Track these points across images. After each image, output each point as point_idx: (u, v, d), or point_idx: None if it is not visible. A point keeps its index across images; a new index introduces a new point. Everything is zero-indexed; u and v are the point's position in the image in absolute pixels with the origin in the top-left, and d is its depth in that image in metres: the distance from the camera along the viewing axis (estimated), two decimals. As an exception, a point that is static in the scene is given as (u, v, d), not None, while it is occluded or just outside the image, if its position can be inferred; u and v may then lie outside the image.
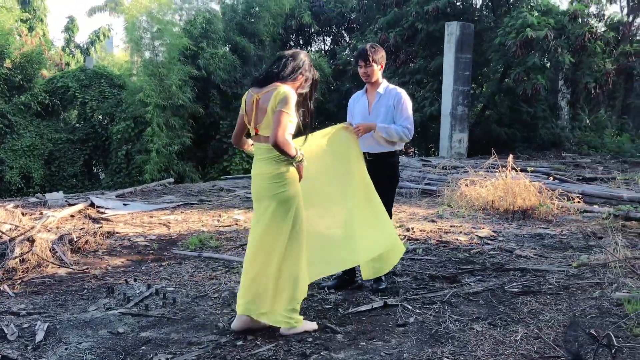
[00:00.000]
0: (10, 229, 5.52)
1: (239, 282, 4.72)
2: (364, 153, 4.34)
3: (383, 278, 4.54)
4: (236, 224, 7.13)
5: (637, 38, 16.57)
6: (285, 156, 3.55)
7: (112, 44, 39.15)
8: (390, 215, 4.49)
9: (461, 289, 4.58)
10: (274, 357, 3.35)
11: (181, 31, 17.07)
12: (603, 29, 14.94)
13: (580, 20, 13.69)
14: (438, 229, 6.78)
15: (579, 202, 7.69)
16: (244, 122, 3.76)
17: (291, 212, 3.62)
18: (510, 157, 7.75)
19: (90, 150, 17.83)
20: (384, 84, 4.55)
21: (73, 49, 30.20)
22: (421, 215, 7.64)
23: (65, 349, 3.50)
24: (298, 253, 3.68)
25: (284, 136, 3.47)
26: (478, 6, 17.33)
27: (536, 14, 13.79)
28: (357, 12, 18.07)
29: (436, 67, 15.71)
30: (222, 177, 13.54)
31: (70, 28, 31.23)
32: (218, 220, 7.41)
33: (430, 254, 5.70)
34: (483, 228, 6.76)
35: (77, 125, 18.18)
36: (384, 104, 4.46)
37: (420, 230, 6.67)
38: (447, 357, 3.35)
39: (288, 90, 3.54)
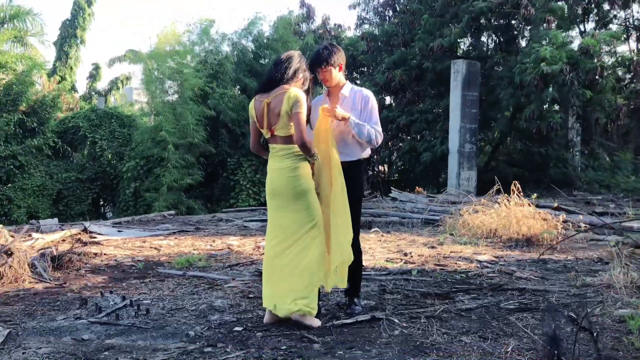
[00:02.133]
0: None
1: (220, 297, 4.57)
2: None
3: (356, 301, 4.16)
4: (229, 248, 6.93)
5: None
6: (307, 155, 3.76)
7: (131, 91, 40.01)
8: (358, 232, 4.15)
9: (453, 305, 4.32)
10: (242, 364, 3.12)
11: (193, 72, 17.29)
12: (614, 66, 14.83)
13: (592, 54, 13.55)
14: (437, 254, 6.52)
15: (586, 230, 7.40)
16: (257, 128, 3.92)
17: (308, 203, 3.78)
18: (515, 183, 7.50)
19: (99, 189, 17.85)
20: (348, 86, 4.13)
21: (93, 94, 30.90)
22: (421, 242, 7.39)
23: (23, 353, 3.29)
24: (317, 242, 3.78)
25: (307, 136, 3.71)
26: (486, 45, 17.38)
27: (549, 48, 13.67)
28: (366, 54, 18.24)
29: (445, 106, 15.63)
30: (223, 209, 13.38)
31: (94, 75, 32.05)
32: (211, 245, 7.22)
33: (426, 275, 5.44)
34: (484, 253, 6.49)
35: (87, 164, 18.29)
36: (350, 106, 4.03)
37: (419, 255, 6.41)
38: (430, 367, 3.09)
39: (298, 92, 3.73)
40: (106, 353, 3.29)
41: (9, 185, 16.05)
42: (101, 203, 18.61)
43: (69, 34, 29.05)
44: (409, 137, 17.60)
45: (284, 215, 3.82)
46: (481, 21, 15.94)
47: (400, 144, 18.47)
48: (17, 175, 16.33)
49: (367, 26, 19.15)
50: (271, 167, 3.89)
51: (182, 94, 16.44)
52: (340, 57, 4.02)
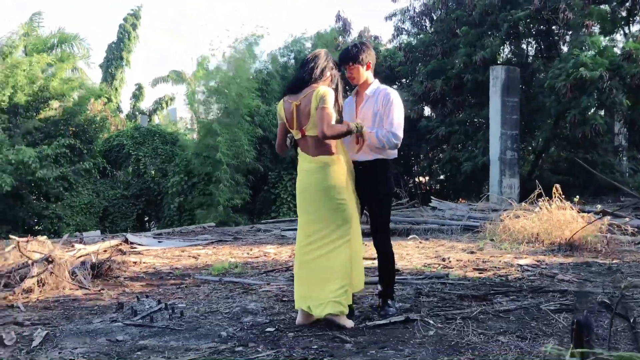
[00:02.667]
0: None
1: (254, 300, 4.56)
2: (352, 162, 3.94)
3: (390, 303, 4.06)
4: (265, 256, 6.95)
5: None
6: (342, 137, 3.74)
7: (175, 111, 40.87)
8: (388, 233, 4.11)
9: (491, 307, 4.20)
10: (272, 362, 3.10)
11: (247, 91, 17.30)
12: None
13: (635, 59, 13.13)
14: (476, 258, 6.38)
15: (633, 234, 7.12)
16: (285, 129, 3.92)
17: (339, 203, 3.73)
18: (557, 186, 7.29)
19: (143, 205, 18.24)
20: (374, 85, 4.01)
21: (137, 114, 31.73)
22: (460, 248, 7.24)
23: (59, 353, 3.36)
24: (349, 242, 3.74)
25: (330, 127, 3.63)
26: (526, 52, 17.07)
27: (589, 54, 13.34)
28: (404, 65, 18.13)
29: (485, 115, 15.38)
30: (262, 221, 13.45)
31: (137, 95, 32.94)
32: (248, 253, 7.25)
33: (464, 279, 5.31)
34: (525, 257, 6.31)
35: (131, 181, 18.72)
36: (372, 106, 3.93)
37: (457, 260, 6.28)
38: (464, 365, 3.01)
39: (325, 89, 3.72)
40: (139, 353, 3.32)
41: (58, 203, 16.55)
42: (145, 219, 19.01)
43: (115, 57, 30.00)
44: (449, 147, 17.37)
45: (315, 215, 3.80)
46: (520, 28, 15.70)
47: (441, 155, 18.25)
48: (65, 194, 16.82)
49: (404, 37, 19.05)
50: (301, 168, 3.88)
51: (234, 114, 16.55)
52: (369, 56, 3.96)
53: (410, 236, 8.30)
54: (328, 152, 3.76)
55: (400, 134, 3.91)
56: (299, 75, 3.88)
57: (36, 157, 15.29)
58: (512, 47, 16.83)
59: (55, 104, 18.09)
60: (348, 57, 3.92)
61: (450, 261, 6.22)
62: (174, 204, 16.69)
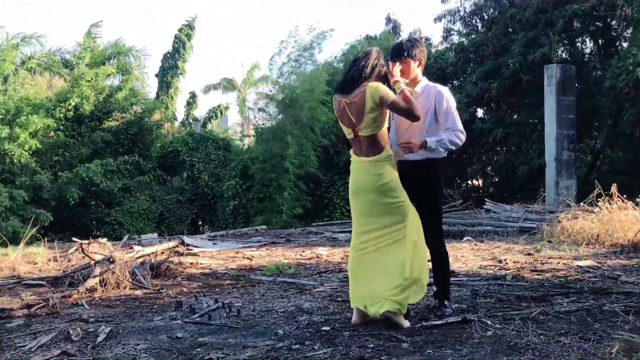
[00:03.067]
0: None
1: (309, 300, 4.59)
2: (398, 163, 3.85)
3: (446, 303, 4.01)
4: (317, 257, 6.98)
5: None
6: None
7: (227, 120, 41.68)
8: (441, 232, 4.08)
9: (551, 307, 4.09)
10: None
11: (317, 102, 17.19)
12: None
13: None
14: (534, 260, 6.22)
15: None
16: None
17: (394, 201, 3.70)
18: (614, 186, 7.05)
19: (198, 209, 18.67)
20: (423, 82, 3.94)
21: (191, 122, 32.48)
22: (517, 250, 7.08)
23: (122, 348, 3.46)
24: (405, 240, 3.69)
25: (414, 108, 3.65)
26: (581, 49, 16.57)
27: (649, 51, 12.83)
28: (455, 66, 17.88)
29: (541, 116, 15.01)
30: (313, 224, 13.49)
31: (190, 103, 33.71)
32: (300, 255, 7.30)
33: (521, 280, 5.20)
34: (585, 259, 6.12)
35: (186, 186, 19.18)
36: (423, 104, 3.83)
37: (514, 262, 6.15)
38: (525, 365, 2.94)
39: (377, 84, 3.69)
40: (199, 349, 3.39)
41: (118, 209, 17.13)
42: (200, 222, 19.42)
43: (170, 66, 30.77)
44: (504, 150, 17.02)
45: (370, 214, 3.77)
46: (575, 24, 15.25)
47: (495, 157, 17.91)
48: (124, 200, 17.38)
49: (454, 37, 18.79)
50: (355, 167, 3.85)
51: (304, 126, 16.58)
52: (421, 52, 3.92)
53: (465, 238, 8.17)
54: (381, 151, 3.74)
55: (464, 131, 3.87)
56: (349, 73, 3.83)
57: (100, 171, 15.91)
58: (568, 45, 16.35)
59: (117, 114, 18.74)
60: (401, 51, 3.86)
61: (506, 263, 6.10)
62: (229, 207, 16.95)
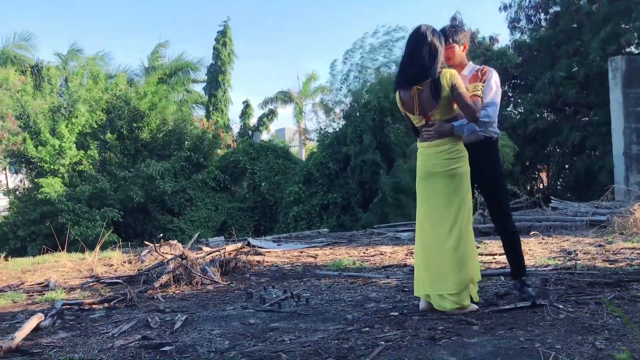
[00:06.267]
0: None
1: (375, 290, 4.63)
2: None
3: (528, 283, 4.00)
4: (381, 254, 7.00)
5: None
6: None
7: (284, 131, 42.26)
8: (510, 213, 4.04)
9: (627, 292, 3.98)
10: (399, 341, 3.14)
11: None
12: None
13: None
14: (605, 251, 6.04)
15: None
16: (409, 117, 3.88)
17: (463, 188, 3.70)
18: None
19: (259, 217, 18.95)
20: (470, 66, 3.99)
21: (249, 131, 33.07)
22: (587, 242, 6.88)
23: (199, 333, 3.60)
24: (467, 230, 3.70)
25: (478, 109, 3.64)
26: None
27: None
28: (521, 67, 17.40)
29: (607, 110, 14.52)
30: (375, 225, 13.47)
31: (245, 113, 34.29)
32: (364, 253, 7.34)
33: (593, 268, 5.06)
34: (662, 249, 5.90)
35: (247, 195, 19.55)
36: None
37: (584, 253, 5.99)
38: (600, 342, 2.89)
39: (452, 71, 3.68)
40: (271, 333, 3.49)
41: (181, 217, 17.64)
42: (261, 229, 19.71)
43: (214, 78, 31.30)
44: (572, 148, 16.54)
45: (437, 200, 3.73)
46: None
47: (563, 156, 17.42)
48: (186, 208, 17.89)
49: (517, 35, 18.23)
50: (424, 152, 3.80)
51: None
52: (464, 37, 3.98)
53: (532, 232, 8.00)
54: (453, 135, 3.72)
55: (494, 113, 3.85)
56: (417, 62, 3.67)
57: (159, 171, 16.56)
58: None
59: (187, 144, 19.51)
60: (446, 36, 3.87)
61: (576, 254, 5.95)
62: (292, 212, 17.13)
